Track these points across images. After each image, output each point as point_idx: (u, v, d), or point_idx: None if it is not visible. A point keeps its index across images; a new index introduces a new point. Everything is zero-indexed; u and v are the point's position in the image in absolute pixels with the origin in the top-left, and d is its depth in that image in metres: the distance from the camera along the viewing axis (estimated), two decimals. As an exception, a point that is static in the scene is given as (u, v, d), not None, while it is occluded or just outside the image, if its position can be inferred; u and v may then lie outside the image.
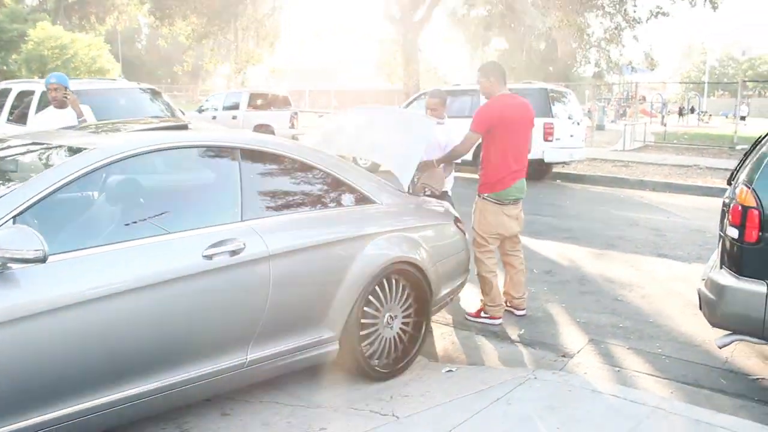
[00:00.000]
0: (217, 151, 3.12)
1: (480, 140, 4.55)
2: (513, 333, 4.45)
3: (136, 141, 2.80)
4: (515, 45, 39.89)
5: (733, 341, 3.40)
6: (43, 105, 8.32)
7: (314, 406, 3.26)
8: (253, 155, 3.16)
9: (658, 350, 4.13)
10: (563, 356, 4.08)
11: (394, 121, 4.52)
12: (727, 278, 3.30)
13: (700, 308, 3.52)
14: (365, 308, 3.45)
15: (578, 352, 4.12)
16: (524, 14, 27.14)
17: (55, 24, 34.39)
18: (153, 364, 2.66)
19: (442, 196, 5.07)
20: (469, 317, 4.69)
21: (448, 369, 3.79)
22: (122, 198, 2.77)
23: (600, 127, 27.68)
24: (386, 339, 3.64)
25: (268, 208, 3.14)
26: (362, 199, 3.63)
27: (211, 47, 20.27)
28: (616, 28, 25.86)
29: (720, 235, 3.45)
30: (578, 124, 11.85)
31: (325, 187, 3.48)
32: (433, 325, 4.66)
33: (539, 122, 10.99)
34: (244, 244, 2.89)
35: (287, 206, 3.24)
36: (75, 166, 2.57)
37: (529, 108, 4.59)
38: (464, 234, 4.36)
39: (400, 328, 3.72)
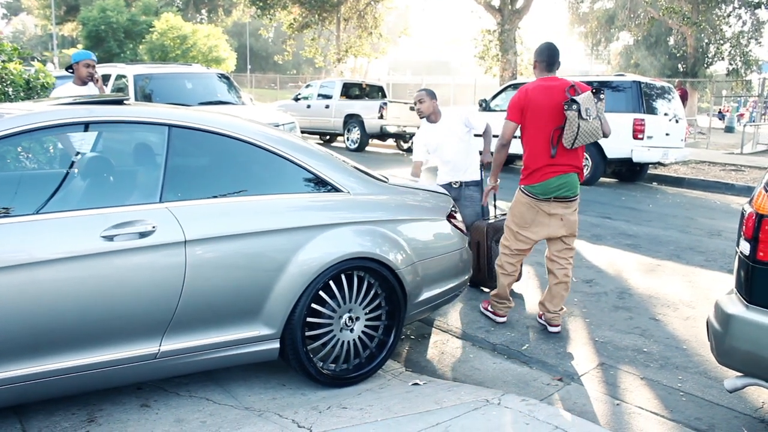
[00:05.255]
0: (145, 128, 2.92)
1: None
2: (516, 346, 3.94)
3: (47, 113, 2.65)
4: (640, 40, 37.18)
5: (745, 386, 2.70)
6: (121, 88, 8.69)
7: (242, 407, 2.99)
8: (186, 134, 2.91)
9: (678, 385, 3.46)
10: (559, 380, 3.53)
11: None
12: (735, 306, 2.60)
13: (708, 339, 2.85)
14: (314, 306, 3.13)
15: (579, 377, 3.55)
16: (650, 7, 25.19)
17: (186, 17, 36.58)
18: (41, 346, 2.50)
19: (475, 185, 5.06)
20: (482, 308, 4.55)
21: (414, 382, 3.38)
22: (25, 171, 2.63)
23: (729, 129, 25.46)
24: (344, 342, 3.30)
25: (195, 191, 2.89)
26: (322, 187, 3.29)
27: (312, 37, 20.48)
28: (756, 22, 23.23)
29: (736, 251, 2.76)
30: (677, 121, 10.66)
31: (273, 173, 3.17)
32: (432, 330, 4.26)
33: (628, 118, 10.05)
34: (154, 227, 2.67)
35: (220, 190, 2.96)
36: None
37: (560, 92, 3.83)
38: (461, 232, 3.90)
39: (365, 333, 3.38)
